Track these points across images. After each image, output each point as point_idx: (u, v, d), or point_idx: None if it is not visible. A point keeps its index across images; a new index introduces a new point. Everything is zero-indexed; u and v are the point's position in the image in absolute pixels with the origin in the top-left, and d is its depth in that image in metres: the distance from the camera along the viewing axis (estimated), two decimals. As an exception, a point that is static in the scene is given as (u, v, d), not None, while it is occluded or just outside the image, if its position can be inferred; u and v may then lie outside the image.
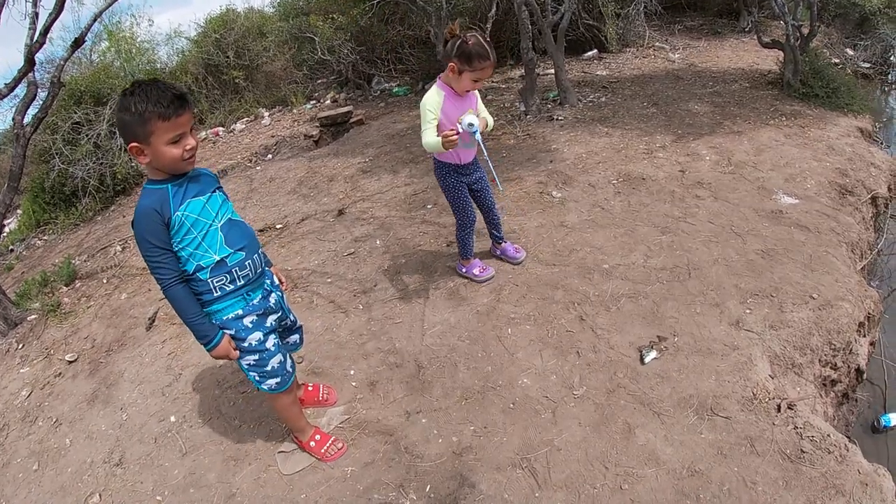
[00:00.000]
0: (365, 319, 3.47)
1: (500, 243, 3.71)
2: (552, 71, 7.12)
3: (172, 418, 3.00)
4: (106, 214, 6.88)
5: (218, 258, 2.08)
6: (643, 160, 4.91)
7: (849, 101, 5.93)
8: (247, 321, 2.21)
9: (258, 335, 2.24)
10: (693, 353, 2.79)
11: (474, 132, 2.87)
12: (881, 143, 6.11)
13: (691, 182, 4.43)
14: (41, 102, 4.70)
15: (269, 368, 2.30)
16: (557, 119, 6.22)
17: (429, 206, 4.69)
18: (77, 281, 4.95)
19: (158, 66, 10.27)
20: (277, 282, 2.45)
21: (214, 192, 2.13)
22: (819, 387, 2.95)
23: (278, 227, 5.02)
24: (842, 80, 6.29)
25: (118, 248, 5.47)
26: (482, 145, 2.95)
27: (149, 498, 2.57)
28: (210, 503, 2.48)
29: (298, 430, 2.59)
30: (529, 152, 5.47)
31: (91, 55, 9.69)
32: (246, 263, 2.17)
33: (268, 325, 2.29)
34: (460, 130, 2.86)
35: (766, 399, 2.50)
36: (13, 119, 4.40)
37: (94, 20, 4.96)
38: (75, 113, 7.25)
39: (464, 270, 3.61)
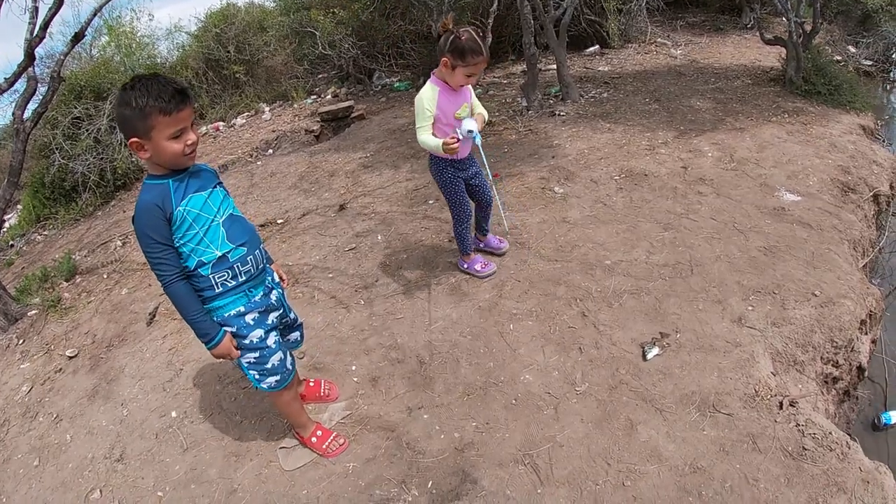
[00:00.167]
0: (366, 315, 3.45)
1: (485, 236, 3.74)
2: (554, 66, 7.12)
3: (173, 414, 3.00)
4: (106, 209, 6.86)
5: (220, 254, 2.07)
6: (645, 156, 4.90)
7: (851, 98, 5.92)
8: (248, 318, 2.20)
9: (259, 332, 2.23)
10: (695, 350, 2.79)
11: (474, 137, 2.91)
12: (883, 141, 6.10)
13: (693, 178, 4.41)
14: (41, 97, 4.69)
15: (269, 366, 2.29)
16: (559, 114, 6.20)
17: (430, 202, 4.68)
18: (77, 276, 4.94)
19: (159, 60, 10.25)
20: (278, 279, 2.44)
21: (215, 187, 2.12)
22: (821, 384, 2.95)
23: (279, 222, 5.00)
24: (844, 77, 6.28)
25: (118, 243, 5.45)
26: (481, 150, 3.00)
27: (150, 493, 2.57)
28: (211, 499, 2.47)
29: (300, 426, 2.58)
30: (531, 148, 5.44)
31: (91, 50, 9.67)
32: (247, 259, 2.16)
33: (269, 322, 2.28)
34: (460, 137, 2.88)
35: (768, 396, 2.50)
36: (13, 114, 4.39)
37: (94, 14, 4.93)
38: (75, 108, 7.23)
39: (465, 266, 3.60)
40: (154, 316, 3.94)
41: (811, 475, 2.17)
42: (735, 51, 8.40)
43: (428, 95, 2.89)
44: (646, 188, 4.35)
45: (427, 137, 2.92)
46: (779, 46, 6.57)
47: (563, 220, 4.06)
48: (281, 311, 2.39)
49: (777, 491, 2.13)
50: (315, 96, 9.75)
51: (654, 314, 3.06)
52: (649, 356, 2.78)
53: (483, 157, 3.03)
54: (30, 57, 4.29)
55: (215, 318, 2.14)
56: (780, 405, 2.45)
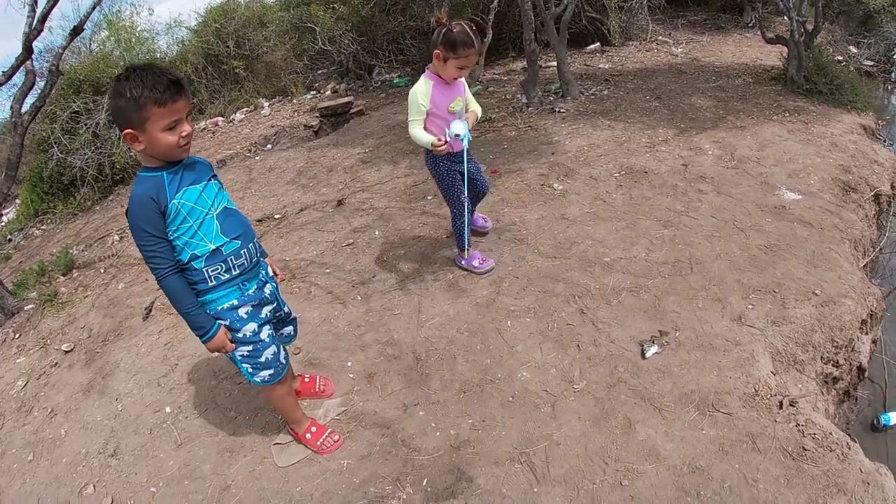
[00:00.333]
0: (363, 311, 3.44)
1: (470, 216, 3.65)
2: (554, 63, 7.09)
3: (168, 409, 2.98)
4: (104, 204, 6.84)
5: (213, 247, 2.05)
6: (645, 153, 4.87)
7: (852, 98, 5.90)
8: (241, 312, 2.18)
9: (252, 326, 2.21)
10: (695, 349, 2.77)
11: (462, 139, 2.97)
12: (884, 141, 6.08)
13: (694, 176, 4.39)
14: (39, 91, 4.67)
15: (262, 360, 2.27)
16: (559, 111, 6.17)
17: (429, 197, 4.65)
18: (74, 270, 4.93)
19: (158, 55, 10.24)
20: (272, 273, 2.42)
21: (210, 180, 2.10)
22: (821, 384, 2.93)
23: (277, 217, 4.99)
24: (845, 76, 6.25)
25: (116, 237, 5.43)
26: (465, 153, 3.06)
27: (143, 489, 2.55)
28: (205, 495, 2.45)
29: (294, 422, 2.57)
30: (531, 144, 5.42)
31: (91, 45, 9.66)
32: (241, 252, 2.14)
33: (262, 316, 2.27)
34: (448, 140, 2.94)
35: (768, 396, 2.48)
36: (11, 108, 4.38)
37: (94, 8, 4.92)
38: (74, 102, 7.20)
39: (463, 263, 3.58)
40: (150, 311, 3.92)
41: (811, 476, 2.15)
42: (736, 49, 8.37)
43: (422, 90, 2.94)
44: (646, 185, 4.33)
45: (418, 132, 2.99)
46: (780, 45, 6.54)
47: (562, 216, 4.04)
48: (275, 304, 2.37)
49: (777, 492, 2.10)
50: (314, 92, 9.72)
51: (654, 312, 3.04)
52: (648, 354, 2.76)
53: (465, 161, 3.09)
54: (27, 50, 4.27)
55: (209, 312, 2.13)
56: (780, 405, 2.43)
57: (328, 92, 9.55)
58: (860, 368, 3.18)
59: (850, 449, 2.23)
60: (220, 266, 2.09)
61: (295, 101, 9.45)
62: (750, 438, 2.31)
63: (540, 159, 5.02)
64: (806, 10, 6.61)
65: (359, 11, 8.57)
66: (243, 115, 9.28)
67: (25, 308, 4.39)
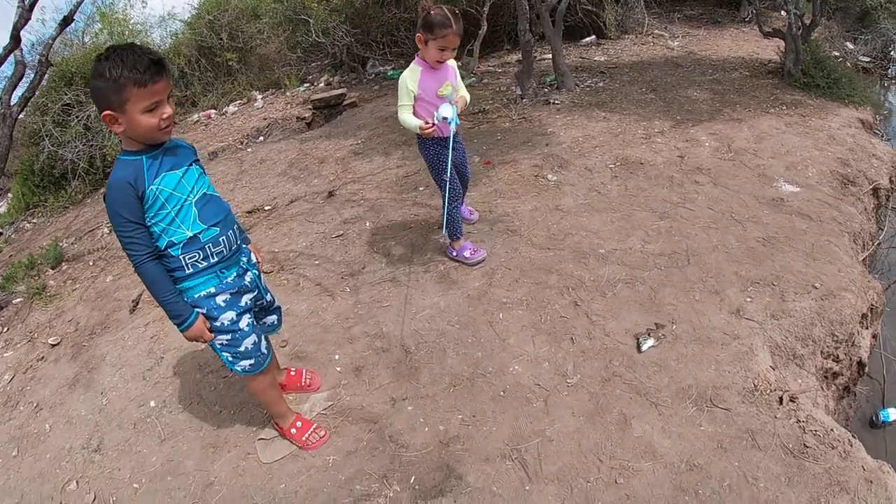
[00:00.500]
0: (352, 303, 3.37)
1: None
2: (549, 56, 7.04)
3: (152, 403, 2.93)
4: (95, 197, 6.76)
5: (191, 234, 2.01)
6: (641, 145, 4.82)
7: (850, 92, 5.87)
8: (219, 300, 2.13)
9: (231, 315, 2.16)
10: (692, 342, 2.71)
11: (450, 122, 2.98)
12: (882, 136, 6.05)
13: (690, 168, 4.34)
14: (29, 82, 4.63)
15: (242, 349, 2.22)
16: (554, 103, 6.11)
17: (421, 188, 4.58)
18: (64, 263, 4.89)
19: (152, 48, 10.12)
20: (255, 259, 2.37)
21: (191, 165, 2.06)
22: (820, 379, 2.87)
23: (267, 208, 4.92)
24: (843, 71, 6.22)
25: (105, 230, 5.35)
26: (451, 137, 3.05)
27: (126, 485, 2.50)
28: (187, 491, 2.40)
29: (279, 416, 2.52)
30: (525, 135, 5.36)
31: (84, 37, 9.60)
32: (220, 240, 2.09)
33: (242, 304, 2.21)
34: (436, 123, 2.98)
35: (768, 391, 2.42)
36: (0, 98, 4.31)
37: (84, -2, 4.86)
38: (66, 94, 7.14)
39: (454, 254, 3.52)
40: (137, 303, 3.87)
41: (813, 474, 2.08)
42: (733, 44, 8.35)
43: (409, 74, 3.01)
44: (641, 177, 4.27)
45: (407, 116, 3.05)
46: (777, 39, 6.51)
47: (556, 207, 3.98)
48: (256, 292, 2.31)
49: (777, 490, 2.04)
50: (308, 84, 9.67)
51: (650, 304, 2.98)
52: (644, 348, 2.70)
53: (451, 145, 3.07)
54: (16, 39, 4.24)
55: (186, 300, 2.08)
56: (781, 400, 2.36)
57: (322, 84, 9.49)
58: (860, 364, 3.13)
59: (851, 446, 2.17)
60: (198, 253, 2.04)
61: (288, 93, 9.40)
62: (750, 435, 2.24)
63: (534, 150, 4.96)
64: (803, 5, 6.57)
65: (353, 3, 8.52)
66: (236, 108, 9.25)
67: (14, 301, 4.35)
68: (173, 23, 10.83)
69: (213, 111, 9.23)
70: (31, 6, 4.18)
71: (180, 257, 2.01)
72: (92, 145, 6.91)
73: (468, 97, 3.26)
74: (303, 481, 2.34)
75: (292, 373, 2.81)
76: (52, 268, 4.82)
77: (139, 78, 1.75)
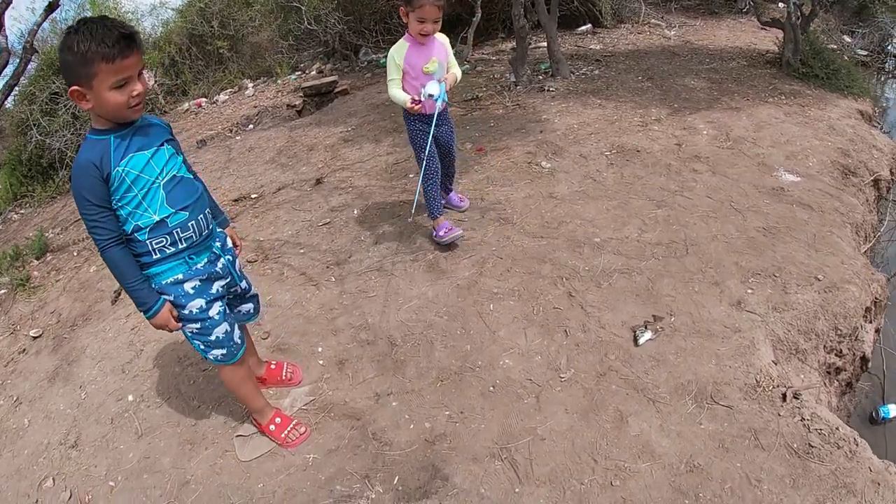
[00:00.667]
0: (337, 293, 3.27)
1: (447, 193, 3.83)
2: (544, 45, 6.95)
3: (130, 397, 2.85)
4: (83, 187, 6.67)
5: (158, 218, 1.92)
6: (637, 132, 4.73)
7: (849, 83, 5.81)
8: (188, 286, 2.03)
9: (200, 302, 2.06)
10: (691, 335, 2.62)
11: (437, 100, 3.01)
12: (881, 128, 5.99)
13: (688, 156, 4.25)
14: (13, 69, 4.51)
15: (213, 338, 2.14)
16: (549, 90, 6.01)
17: (410, 175, 4.48)
18: (48, 254, 4.83)
19: (142, 36, 10.02)
20: (231, 244, 2.27)
21: (162, 145, 1.95)
22: (823, 375, 2.78)
23: (253, 196, 4.82)
24: (842, 62, 6.17)
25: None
26: (437, 117, 3.10)
27: (102, 483, 2.43)
28: (163, 490, 2.33)
29: (256, 412, 2.43)
30: (518, 122, 5.27)
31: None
32: (189, 225, 1.99)
33: (213, 291, 2.11)
34: (422, 99, 3.02)
35: (771, 387, 2.33)
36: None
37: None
38: (54, 83, 7.07)
39: (434, 234, 3.47)
40: (119, 294, 3.78)
41: (818, 475, 1.99)
42: (730, 34, 8.30)
43: (397, 49, 3.07)
44: (638, 164, 4.18)
45: (397, 91, 3.10)
46: (775, 29, 6.43)
47: (550, 195, 3.88)
48: (228, 279, 2.21)
49: (782, 493, 1.94)
50: (300, 72, 9.60)
51: (647, 295, 2.89)
52: (641, 341, 2.61)
53: (434, 118, 3.10)
54: (-2, 24, 4.08)
55: (153, 286, 1.99)
56: (784, 397, 2.26)
57: (313, 72, 9.41)
58: (863, 359, 3.03)
59: (858, 445, 2.08)
60: (165, 238, 1.95)
61: (279, 81, 9.33)
62: (752, 434, 2.15)
63: (528, 137, 4.87)
64: (801, -3, 6.49)
65: (345, -10, 8.40)
66: (227, 96, 9.20)
67: (-2, 293, 4.29)
68: (165, 11, 10.76)
69: (203, 100, 9.19)
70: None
71: (147, 242, 1.93)
72: (80, 134, 6.84)
73: (459, 74, 3.25)
74: (281, 481, 2.26)
75: (273, 366, 2.71)
76: (37, 258, 4.77)
77: (107, 52, 1.67)
